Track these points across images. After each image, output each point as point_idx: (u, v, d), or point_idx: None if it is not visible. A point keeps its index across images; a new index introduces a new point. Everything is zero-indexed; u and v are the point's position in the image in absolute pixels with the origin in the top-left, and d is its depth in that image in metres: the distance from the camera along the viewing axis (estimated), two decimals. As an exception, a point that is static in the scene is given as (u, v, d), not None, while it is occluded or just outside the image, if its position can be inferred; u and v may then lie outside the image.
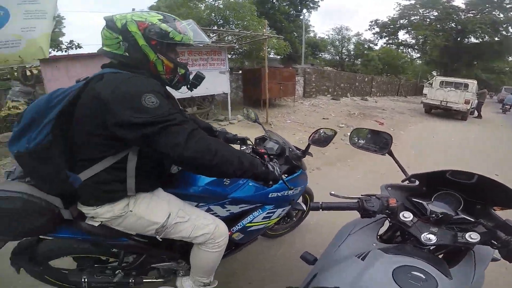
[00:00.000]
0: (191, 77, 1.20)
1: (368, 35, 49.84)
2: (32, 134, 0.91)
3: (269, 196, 1.42)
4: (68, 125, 0.95)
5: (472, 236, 0.71)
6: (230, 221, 1.37)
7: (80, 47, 18.17)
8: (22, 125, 0.92)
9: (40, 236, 1.26)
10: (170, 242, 1.27)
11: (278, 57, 16.41)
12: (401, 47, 29.47)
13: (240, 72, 10.25)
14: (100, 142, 0.94)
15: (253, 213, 1.42)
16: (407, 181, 1.01)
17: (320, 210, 0.88)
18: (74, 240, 1.20)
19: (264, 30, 7.51)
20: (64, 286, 1.42)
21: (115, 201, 1.03)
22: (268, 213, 1.45)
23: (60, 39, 14.99)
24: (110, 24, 0.97)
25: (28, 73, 6.68)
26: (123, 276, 1.36)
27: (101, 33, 1.00)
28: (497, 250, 0.72)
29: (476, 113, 11.57)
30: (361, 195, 0.89)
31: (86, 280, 1.32)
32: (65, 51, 13.71)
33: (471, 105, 10.08)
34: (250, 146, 1.57)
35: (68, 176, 0.96)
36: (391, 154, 1.10)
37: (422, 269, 0.65)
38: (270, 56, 16.92)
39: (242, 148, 1.52)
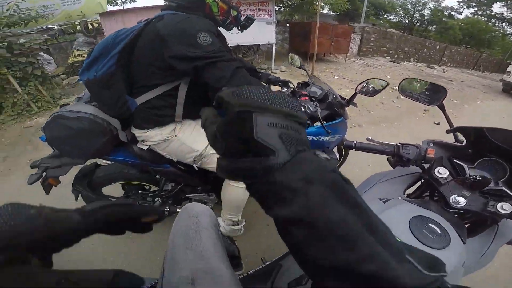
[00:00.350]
0: (242, 19, 1.29)
1: (450, 2, 41.39)
2: (99, 65, 1.05)
3: None
4: (130, 58, 1.10)
5: (504, 207, 0.63)
6: None
7: (134, 1, 19.14)
8: (92, 58, 1.06)
9: (98, 163, 1.48)
10: (205, 173, 1.40)
11: (333, 13, 14.76)
12: (493, 20, 24.92)
13: (288, 25, 9.63)
14: (156, 71, 1.08)
15: None
16: (454, 140, 0.90)
17: (353, 149, 0.89)
18: (125, 165, 1.37)
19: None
20: None
21: (164, 125, 1.19)
22: None
23: None
24: None
25: (90, 26, 7.28)
26: (160, 203, 1.55)
27: None
28: None
29: None
30: (399, 143, 0.84)
31: None
32: (121, 6, 14.34)
33: None
34: (292, 88, 1.54)
35: (126, 100, 1.12)
36: (442, 107, 0.97)
37: (440, 224, 0.63)
38: (324, 11, 15.22)
39: (283, 90, 1.52)
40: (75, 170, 1.39)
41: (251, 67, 1.60)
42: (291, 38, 9.35)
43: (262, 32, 6.58)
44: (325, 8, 12.59)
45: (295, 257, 0.26)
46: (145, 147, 1.26)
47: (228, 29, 1.27)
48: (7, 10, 5.76)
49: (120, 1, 17.69)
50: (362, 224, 0.23)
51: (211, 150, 1.23)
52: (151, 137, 1.20)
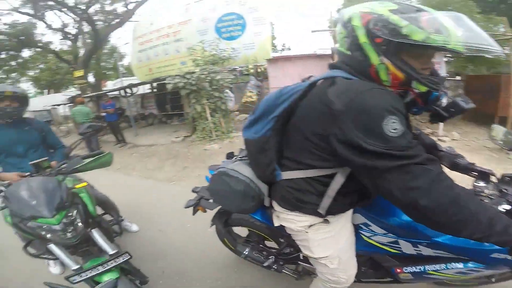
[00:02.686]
0: (444, 101, 0.90)
1: None
2: (259, 126, 1.01)
3: (491, 256, 0.97)
4: (287, 122, 0.97)
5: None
6: (409, 259, 1.15)
7: (289, 49, 22.33)
8: (254, 117, 1.04)
9: None
10: None
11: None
12: None
13: (459, 78, 8.13)
14: (313, 150, 0.87)
15: (449, 264, 1.07)
16: None
17: None
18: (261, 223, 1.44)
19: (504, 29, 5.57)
20: (230, 249, 1.82)
21: (302, 213, 1.02)
22: (470, 270, 1.05)
23: (273, 41, 17.97)
24: (340, 17, 0.87)
25: (259, 70, 8.98)
26: (272, 261, 1.57)
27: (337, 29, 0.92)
28: None
29: None
30: None
31: (246, 252, 1.66)
32: (280, 52, 16.87)
33: None
34: (492, 183, 1.09)
35: (275, 169, 1.02)
36: None
37: None
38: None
39: (478, 184, 1.08)
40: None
41: (430, 142, 1.26)
42: (467, 96, 7.62)
43: (426, 87, 5.77)
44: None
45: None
46: (276, 223, 1.16)
47: (408, 111, 0.87)
48: (212, 49, 7.43)
49: (279, 49, 21.14)
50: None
51: (326, 260, 1.07)
52: (284, 218, 1.09)
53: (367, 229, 1.16)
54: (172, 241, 2.47)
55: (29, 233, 1.32)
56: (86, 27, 13.75)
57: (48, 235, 1.29)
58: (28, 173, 1.69)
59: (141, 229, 2.69)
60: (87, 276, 1.21)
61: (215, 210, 1.62)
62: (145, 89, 11.73)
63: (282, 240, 1.49)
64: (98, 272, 1.23)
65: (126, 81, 12.50)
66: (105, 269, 1.25)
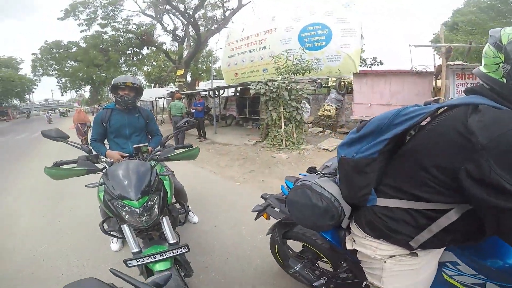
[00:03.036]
0: None
1: None
2: (362, 146, 0.92)
3: None
4: (400, 146, 0.90)
5: None
6: None
7: (381, 64, 20.32)
8: (358, 136, 0.94)
9: None
10: None
11: None
12: None
13: None
14: (430, 183, 0.78)
15: None
16: None
17: None
18: (326, 242, 1.37)
19: None
20: (278, 261, 1.76)
21: (387, 242, 0.94)
22: None
23: (362, 54, 17.15)
24: (493, 39, 0.75)
25: (342, 84, 8.55)
26: (323, 283, 1.48)
27: (483, 50, 0.80)
28: None
29: None
30: None
31: (297, 268, 1.57)
32: (369, 67, 15.69)
33: None
34: None
35: (369, 194, 0.95)
36: None
37: None
38: None
39: None
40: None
41: None
42: None
43: None
44: None
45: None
46: (349, 246, 1.09)
47: None
48: (295, 58, 7.43)
49: (369, 63, 19.63)
50: None
51: None
52: (362, 244, 1.02)
53: (453, 268, 1.04)
54: (223, 239, 2.54)
55: (112, 211, 1.44)
56: (191, 31, 15.94)
57: (127, 216, 1.39)
58: (127, 154, 1.99)
59: (199, 221, 2.86)
60: (143, 262, 1.31)
61: (276, 220, 1.62)
62: (229, 92, 12.75)
63: (343, 264, 1.41)
64: (154, 260, 1.31)
65: (215, 83, 13.90)
66: (162, 258, 1.33)
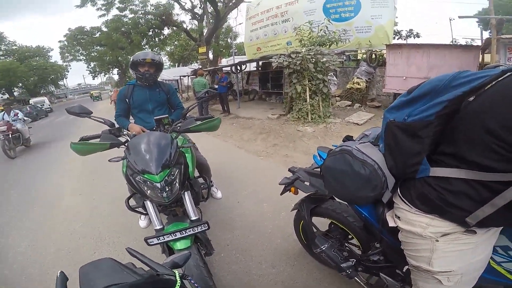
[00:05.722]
0: None
1: None
2: (416, 108, 0.83)
3: None
4: (459, 110, 0.80)
5: None
6: None
7: (418, 37, 18.38)
8: (411, 97, 0.85)
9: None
10: None
11: None
12: None
13: None
14: (494, 146, 0.70)
15: None
16: None
17: None
18: (360, 218, 1.27)
19: None
20: (301, 239, 1.68)
21: (442, 217, 0.84)
22: None
23: (395, 27, 16.07)
24: None
25: (373, 56, 7.88)
26: (351, 265, 1.38)
27: None
28: None
29: None
30: None
31: (324, 248, 1.45)
32: (404, 39, 14.38)
33: None
34: None
35: (420, 163, 0.85)
36: None
37: None
38: None
39: None
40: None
41: None
42: None
43: None
44: None
45: None
46: (391, 223, 0.99)
47: None
48: (320, 30, 7.10)
49: (404, 35, 17.90)
50: None
51: (450, 275, 0.86)
52: (410, 220, 0.90)
53: (504, 254, 0.93)
54: (245, 215, 2.52)
55: (134, 186, 1.40)
56: (209, 8, 15.45)
57: (149, 192, 1.35)
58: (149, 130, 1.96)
59: (222, 197, 2.85)
60: (163, 240, 1.29)
61: (304, 195, 1.53)
62: (251, 67, 12.49)
63: (377, 245, 1.30)
64: (174, 238, 1.29)
65: (237, 59, 13.57)
66: (182, 236, 1.30)
